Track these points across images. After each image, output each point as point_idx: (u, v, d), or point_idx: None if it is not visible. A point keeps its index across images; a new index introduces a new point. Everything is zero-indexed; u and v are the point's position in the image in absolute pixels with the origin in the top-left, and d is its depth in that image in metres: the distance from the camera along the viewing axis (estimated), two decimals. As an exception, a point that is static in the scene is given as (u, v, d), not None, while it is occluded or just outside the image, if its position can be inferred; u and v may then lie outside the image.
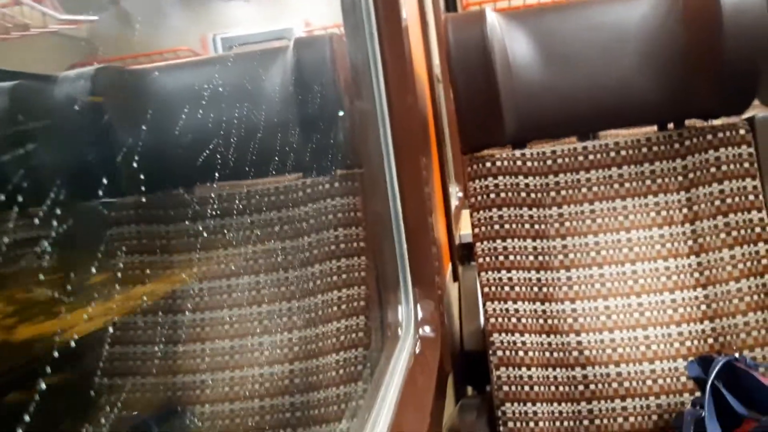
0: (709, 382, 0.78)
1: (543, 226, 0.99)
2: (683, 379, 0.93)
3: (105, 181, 0.78)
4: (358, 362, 0.93)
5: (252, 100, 0.94)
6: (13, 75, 0.81)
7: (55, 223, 0.51)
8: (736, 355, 0.82)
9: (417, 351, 0.87)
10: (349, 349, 0.94)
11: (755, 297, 0.93)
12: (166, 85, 0.97)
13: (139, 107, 0.92)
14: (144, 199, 1.00)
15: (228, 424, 0.95)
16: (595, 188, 0.99)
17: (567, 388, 0.95)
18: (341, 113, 0.96)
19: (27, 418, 0.40)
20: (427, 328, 0.93)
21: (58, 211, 0.49)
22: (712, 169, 0.96)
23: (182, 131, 0.93)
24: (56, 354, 0.44)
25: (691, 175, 0.97)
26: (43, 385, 0.42)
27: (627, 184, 0.99)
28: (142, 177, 0.88)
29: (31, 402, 0.41)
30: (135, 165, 0.75)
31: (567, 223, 0.99)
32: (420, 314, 0.93)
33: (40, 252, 0.54)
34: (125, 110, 0.92)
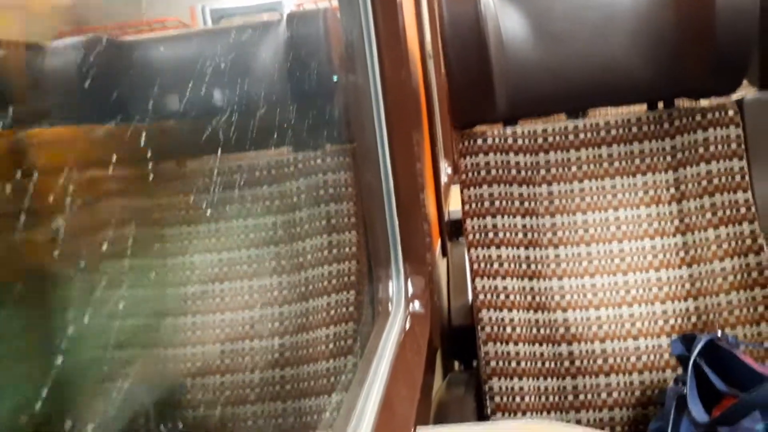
0: (692, 360, 0.80)
1: (532, 204, 1.00)
2: (666, 356, 0.95)
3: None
4: (348, 336, 0.94)
5: (244, 73, 0.93)
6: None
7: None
8: (719, 333, 0.84)
9: (407, 327, 0.88)
10: (339, 323, 0.95)
11: (738, 276, 0.94)
12: (159, 57, 0.96)
13: (128, 80, 0.91)
14: (132, 172, 0.99)
15: (217, 396, 0.96)
16: (584, 167, 1.00)
17: (553, 364, 0.97)
18: (334, 88, 0.96)
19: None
20: (417, 304, 0.94)
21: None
22: (701, 150, 0.97)
23: (172, 104, 0.93)
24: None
25: (679, 155, 0.98)
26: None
27: (616, 163, 1.00)
28: (130, 149, 0.87)
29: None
30: (125, 137, 0.74)
31: (556, 201, 1.00)
32: (410, 290, 0.94)
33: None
34: (114, 82, 0.91)
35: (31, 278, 0.52)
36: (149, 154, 0.93)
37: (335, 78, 0.96)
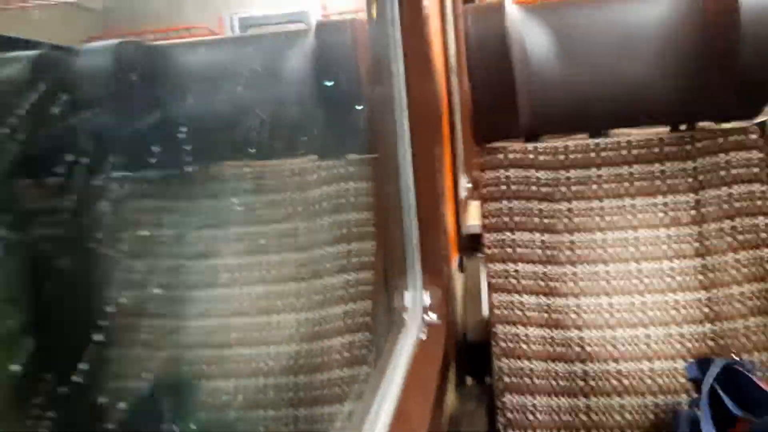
0: (707, 385, 0.79)
1: (552, 220, 1.00)
2: (681, 379, 0.94)
3: (122, 155, 0.79)
4: (362, 346, 0.94)
5: (272, 81, 0.94)
6: (35, 45, 0.81)
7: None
8: (736, 358, 0.83)
9: (423, 337, 0.88)
10: (354, 332, 0.95)
11: (757, 301, 0.93)
12: (191, 62, 0.98)
13: (161, 84, 0.93)
14: (159, 175, 1.01)
15: (231, 399, 0.96)
16: (605, 185, 1.00)
17: (566, 382, 0.96)
18: (359, 99, 0.97)
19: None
20: (434, 315, 0.94)
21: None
22: (722, 172, 0.97)
23: (201, 110, 0.94)
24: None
25: (700, 177, 0.98)
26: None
27: (637, 183, 0.99)
28: (159, 154, 0.89)
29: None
30: (154, 141, 0.75)
31: (576, 219, 1.00)
32: (427, 301, 0.94)
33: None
34: (146, 86, 0.93)
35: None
36: (176, 158, 0.94)
37: (361, 89, 0.97)
